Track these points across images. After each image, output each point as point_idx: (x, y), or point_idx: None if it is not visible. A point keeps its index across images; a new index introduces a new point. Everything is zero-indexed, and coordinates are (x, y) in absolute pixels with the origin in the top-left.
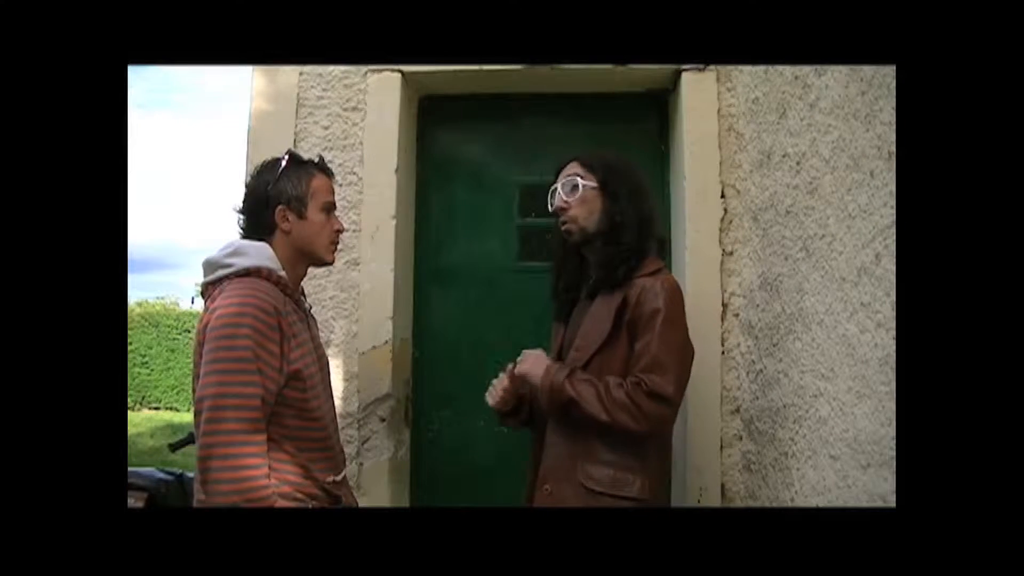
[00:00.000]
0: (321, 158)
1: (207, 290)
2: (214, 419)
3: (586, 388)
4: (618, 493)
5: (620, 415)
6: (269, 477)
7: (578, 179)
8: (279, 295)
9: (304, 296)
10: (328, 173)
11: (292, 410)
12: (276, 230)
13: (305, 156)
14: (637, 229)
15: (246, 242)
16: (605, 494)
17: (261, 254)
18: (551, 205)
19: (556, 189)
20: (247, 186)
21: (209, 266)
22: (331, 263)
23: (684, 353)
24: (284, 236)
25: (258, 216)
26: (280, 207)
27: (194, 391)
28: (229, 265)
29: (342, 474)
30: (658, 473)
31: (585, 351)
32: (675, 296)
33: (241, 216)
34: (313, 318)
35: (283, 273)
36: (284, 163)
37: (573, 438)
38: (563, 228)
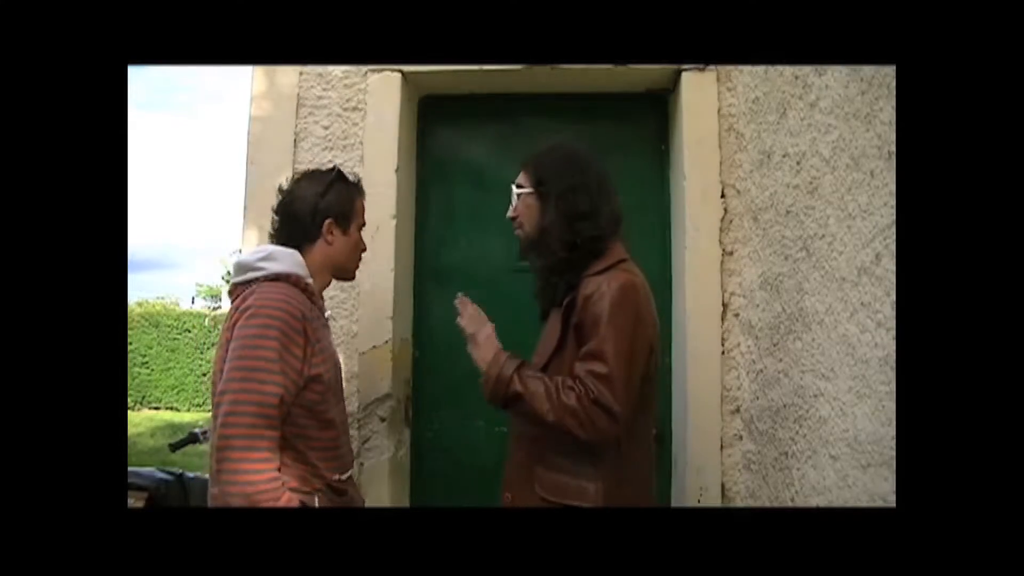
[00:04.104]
0: (359, 179)
1: (235, 290)
2: (232, 413)
3: (536, 384)
4: (564, 501)
5: (567, 418)
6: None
7: (514, 186)
8: (306, 301)
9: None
10: (363, 194)
11: (306, 411)
12: (318, 240)
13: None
14: (575, 229)
15: (279, 248)
16: (556, 503)
17: (292, 261)
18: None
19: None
20: (289, 191)
21: (240, 268)
22: (353, 279)
23: (630, 363)
24: (325, 247)
25: (300, 223)
26: (329, 220)
27: (214, 385)
28: (261, 268)
29: (347, 473)
30: (615, 477)
31: (541, 357)
32: (623, 296)
33: (276, 217)
34: (327, 324)
35: (311, 280)
36: (334, 177)
37: (530, 440)
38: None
